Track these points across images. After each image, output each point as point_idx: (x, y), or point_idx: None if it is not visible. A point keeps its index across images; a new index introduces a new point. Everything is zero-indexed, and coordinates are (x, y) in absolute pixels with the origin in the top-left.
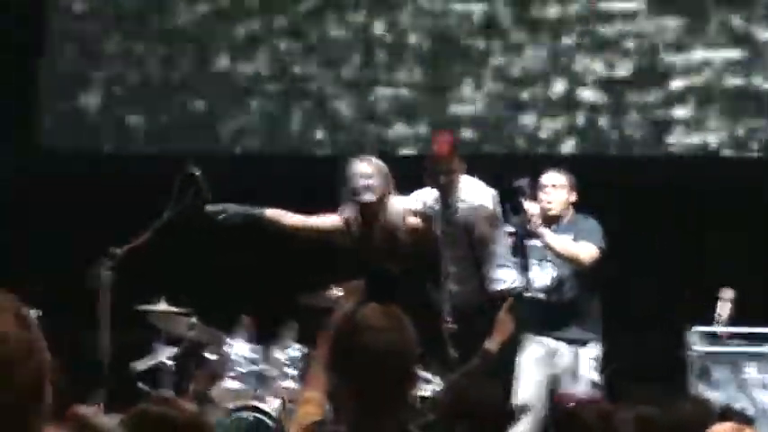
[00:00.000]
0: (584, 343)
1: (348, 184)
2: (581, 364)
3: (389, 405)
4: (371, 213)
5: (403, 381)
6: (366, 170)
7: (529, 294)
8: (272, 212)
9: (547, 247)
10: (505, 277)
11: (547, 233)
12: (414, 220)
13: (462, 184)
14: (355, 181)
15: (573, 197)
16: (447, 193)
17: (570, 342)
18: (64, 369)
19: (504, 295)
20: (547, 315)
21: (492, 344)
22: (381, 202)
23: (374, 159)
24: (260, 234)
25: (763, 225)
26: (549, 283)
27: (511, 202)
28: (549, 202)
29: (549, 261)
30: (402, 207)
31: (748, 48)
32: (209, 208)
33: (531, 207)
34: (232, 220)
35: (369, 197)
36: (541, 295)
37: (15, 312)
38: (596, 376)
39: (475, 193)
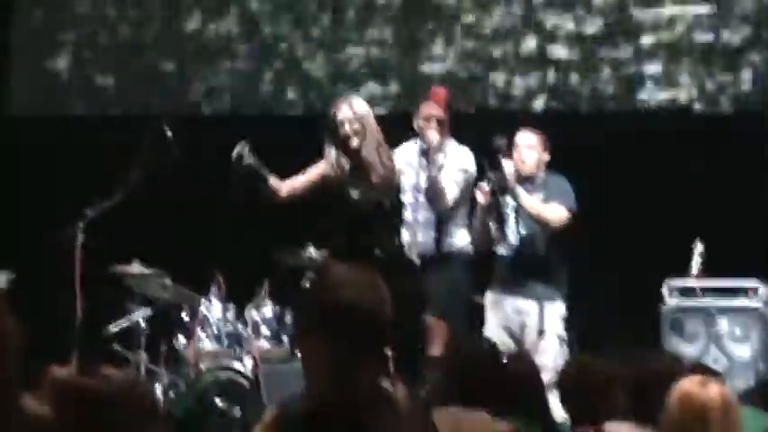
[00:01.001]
0: (551, 300)
1: (333, 129)
2: (548, 320)
3: (364, 360)
4: (356, 153)
5: (377, 337)
6: (348, 114)
7: (500, 251)
8: (273, 182)
9: (519, 205)
10: (461, 238)
11: (521, 193)
12: (390, 164)
13: (449, 145)
14: (341, 127)
15: (545, 157)
16: (433, 148)
17: (537, 299)
18: (35, 331)
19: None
20: (515, 272)
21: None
22: (364, 141)
23: (355, 101)
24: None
25: (732, 177)
26: (518, 241)
27: (489, 160)
28: (522, 162)
29: (520, 219)
30: (382, 147)
31: (717, 2)
32: (238, 149)
33: (506, 165)
34: (244, 169)
35: (356, 143)
36: (511, 252)
37: None
38: (563, 332)
39: (460, 155)
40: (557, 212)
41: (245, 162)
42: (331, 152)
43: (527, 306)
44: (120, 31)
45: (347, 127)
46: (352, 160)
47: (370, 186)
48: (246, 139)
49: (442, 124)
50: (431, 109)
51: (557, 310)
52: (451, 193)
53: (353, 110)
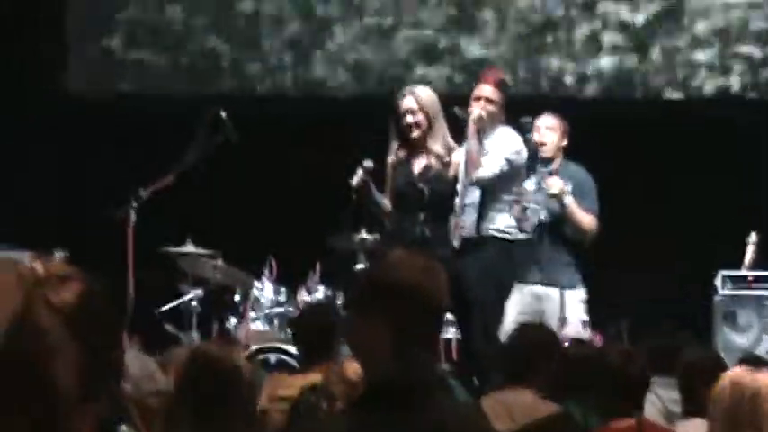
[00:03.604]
0: (571, 286)
1: (396, 119)
2: (569, 306)
3: (423, 342)
4: (418, 146)
5: (435, 319)
6: (411, 105)
7: (521, 235)
8: (386, 206)
9: (562, 207)
10: (502, 222)
11: (569, 200)
12: (451, 157)
13: (499, 128)
14: (401, 118)
15: (564, 142)
16: (473, 121)
17: (557, 286)
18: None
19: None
20: (535, 257)
21: None
22: (427, 133)
23: (419, 90)
24: (286, 175)
25: None
26: (539, 226)
27: None
28: (542, 144)
29: (542, 204)
30: (447, 140)
31: None
32: (356, 181)
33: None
34: (365, 200)
35: (415, 134)
36: (531, 236)
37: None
38: (585, 317)
39: (509, 139)
40: (591, 223)
41: (369, 190)
42: (393, 143)
43: (547, 293)
44: (172, 11)
45: (409, 118)
46: (411, 151)
47: (423, 172)
48: (368, 162)
49: (492, 104)
50: (480, 90)
51: (577, 295)
52: (488, 171)
53: (417, 101)
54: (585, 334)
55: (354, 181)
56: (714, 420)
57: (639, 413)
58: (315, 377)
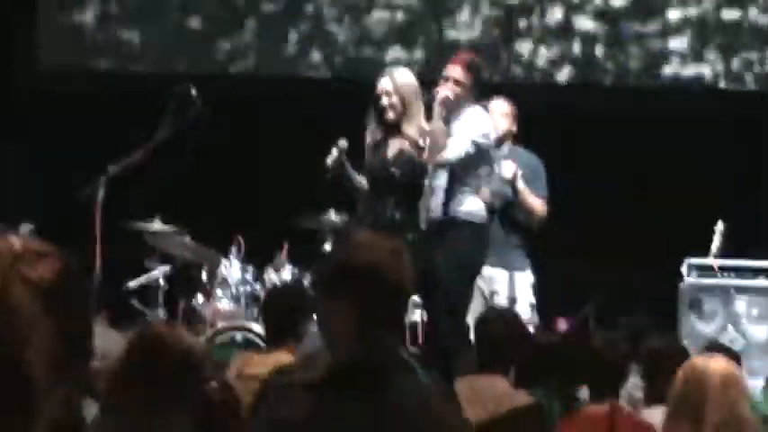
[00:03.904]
0: (521, 268)
1: (373, 100)
2: (518, 288)
3: (388, 324)
4: (393, 128)
5: (401, 302)
6: (387, 87)
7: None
8: (362, 185)
9: (514, 191)
10: (470, 204)
11: (521, 182)
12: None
13: (468, 109)
14: (377, 99)
15: (514, 127)
16: (439, 102)
17: (507, 268)
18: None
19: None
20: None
21: None
22: (402, 117)
23: (396, 73)
24: (255, 155)
25: (757, 158)
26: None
27: None
28: (495, 128)
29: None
30: (423, 125)
31: None
32: (331, 160)
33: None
34: (340, 180)
35: (390, 116)
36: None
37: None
38: (533, 299)
39: (477, 121)
40: (541, 209)
41: (342, 167)
42: (370, 123)
43: (497, 274)
44: None
45: (385, 100)
46: (387, 133)
47: (396, 156)
48: (342, 141)
49: (459, 85)
50: (450, 70)
51: (526, 278)
52: (453, 152)
53: (393, 83)
54: (534, 317)
55: (329, 160)
56: (668, 405)
57: (614, 399)
58: (284, 356)
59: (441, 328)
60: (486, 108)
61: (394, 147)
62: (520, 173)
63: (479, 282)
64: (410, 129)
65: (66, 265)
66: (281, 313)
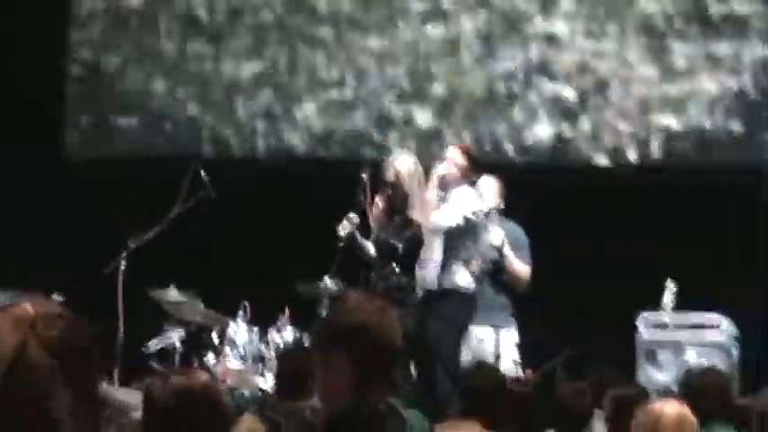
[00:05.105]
0: (507, 327)
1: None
2: (503, 346)
3: (377, 378)
4: (395, 206)
5: (388, 357)
6: (390, 178)
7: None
8: (371, 252)
9: (501, 256)
10: (462, 277)
11: (507, 250)
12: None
13: (459, 189)
14: (384, 186)
15: (501, 204)
16: (441, 184)
17: (493, 327)
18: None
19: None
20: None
21: None
22: (404, 201)
23: (398, 163)
24: (257, 229)
25: (705, 223)
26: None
27: None
28: (483, 202)
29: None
30: (427, 202)
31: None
32: (343, 231)
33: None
34: (352, 247)
35: (393, 202)
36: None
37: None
38: (518, 357)
39: (466, 200)
40: (526, 272)
41: (354, 239)
42: (377, 202)
43: (484, 333)
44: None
45: (388, 189)
46: (392, 212)
47: (394, 232)
48: (353, 215)
49: (455, 166)
50: (448, 152)
51: (511, 336)
52: (444, 218)
53: (397, 174)
54: (518, 371)
55: (342, 231)
56: None
57: None
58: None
59: (438, 389)
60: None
61: (397, 222)
62: (507, 241)
63: (473, 341)
64: (412, 210)
65: (74, 323)
66: (289, 372)
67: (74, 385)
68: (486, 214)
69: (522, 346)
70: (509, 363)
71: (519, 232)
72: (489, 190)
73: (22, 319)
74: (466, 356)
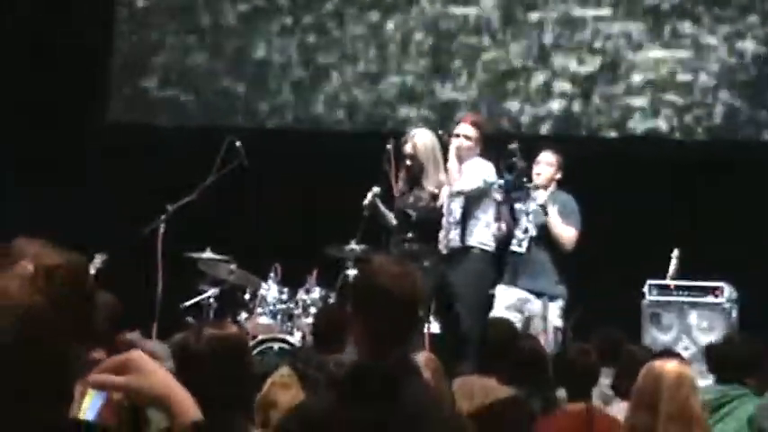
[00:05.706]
0: (551, 297)
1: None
2: (550, 313)
3: (396, 337)
4: (415, 181)
5: (408, 318)
6: (409, 151)
7: (513, 247)
8: (391, 220)
9: (530, 210)
10: (481, 235)
11: (551, 211)
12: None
13: (473, 160)
14: (403, 159)
15: (558, 175)
16: (458, 156)
17: (539, 294)
18: (123, 303)
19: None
20: (522, 267)
21: None
22: (421, 174)
23: (417, 137)
24: (289, 196)
25: (705, 196)
26: (529, 240)
27: (505, 162)
28: (538, 174)
29: (530, 221)
30: (440, 179)
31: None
32: (367, 201)
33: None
34: (374, 217)
35: (412, 173)
36: (519, 248)
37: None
38: (560, 323)
39: (481, 167)
40: (570, 234)
41: (376, 208)
42: (401, 175)
43: (533, 299)
44: (199, 58)
45: (408, 161)
46: (411, 184)
47: (412, 201)
48: (376, 188)
49: (468, 139)
50: (459, 127)
51: (557, 304)
52: (466, 184)
53: (414, 147)
54: (557, 338)
55: (366, 201)
56: (631, 399)
57: (589, 399)
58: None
59: (462, 334)
60: (517, 149)
61: (415, 195)
62: (552, 204)
63: (515, 302)
64: (428, 183)
65: (74, 270)
66: (325, 327)
67: (79, 329)
68: (544, 185)
69: (566, 313)
70: (552, 329)
71: (567, 198)
72: (546, 162)
73: (26, 277)
74: (507, 314)
